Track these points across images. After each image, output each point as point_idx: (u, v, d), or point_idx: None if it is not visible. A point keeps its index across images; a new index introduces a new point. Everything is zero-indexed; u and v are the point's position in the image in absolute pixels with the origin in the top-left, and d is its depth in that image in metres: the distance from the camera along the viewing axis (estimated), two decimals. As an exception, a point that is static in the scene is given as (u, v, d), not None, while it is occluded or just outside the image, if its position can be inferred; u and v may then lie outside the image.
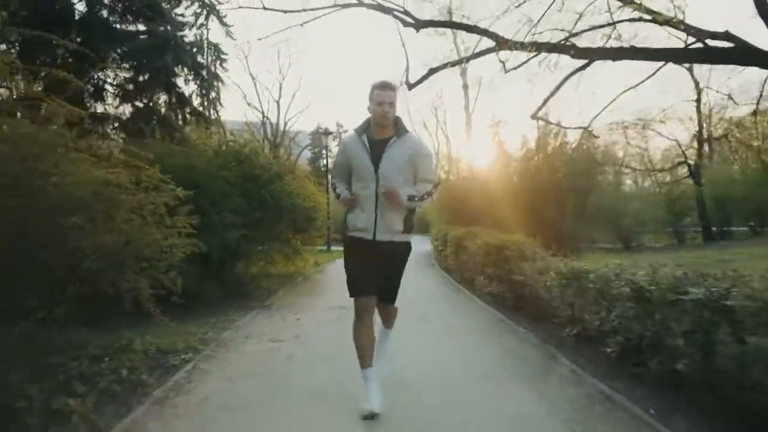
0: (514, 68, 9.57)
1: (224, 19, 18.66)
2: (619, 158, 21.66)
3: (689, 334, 3.02)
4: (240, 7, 11.86)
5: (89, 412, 2.84)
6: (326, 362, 4.14)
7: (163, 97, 12.80)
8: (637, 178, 26.63)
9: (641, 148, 24.02)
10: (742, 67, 16.43)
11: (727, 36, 9.21)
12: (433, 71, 10.03)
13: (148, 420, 2.95)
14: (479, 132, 31.35)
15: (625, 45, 8.03)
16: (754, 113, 15.64)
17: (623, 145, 23.38)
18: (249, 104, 39.01)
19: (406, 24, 9.01)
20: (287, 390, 3.53)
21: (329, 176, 3.32)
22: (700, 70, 21.60)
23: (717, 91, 21.62)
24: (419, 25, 8.94)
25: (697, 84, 22.15)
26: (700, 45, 7.70)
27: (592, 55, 7.54)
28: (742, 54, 8.67)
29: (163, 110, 12.41)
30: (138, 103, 11.53)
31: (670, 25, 8.29)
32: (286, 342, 4.94)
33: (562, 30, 7.92)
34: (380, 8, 9.38)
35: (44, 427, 2.60)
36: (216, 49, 16.64)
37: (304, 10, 10.16)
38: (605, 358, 3.87)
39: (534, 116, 9.81)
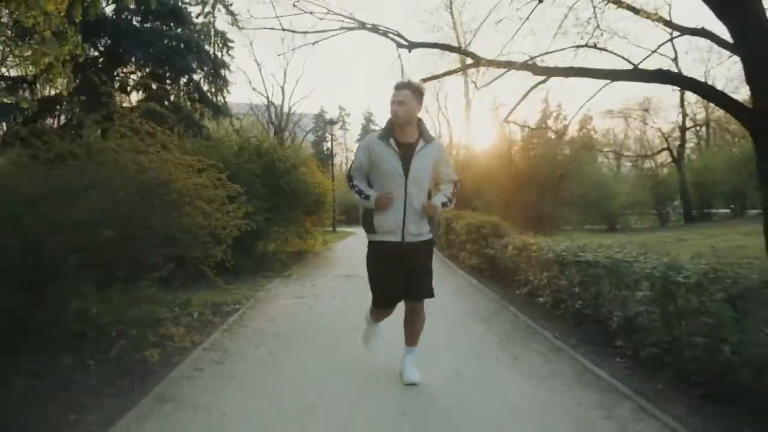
0: (485, 85, 11.03)
1: (230, 8, 20.08)
2: (603, 144, 22.93)
3: (582, 284, 4.52)
4: (263, 28, 13.16)
5: (185, 335, 4.33)
6: (335, 311, 5.71)
7: (182, 94, 14.26)
8: (622, 163, 27.91)
9: (629, 135, 25.28)
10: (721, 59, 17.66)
11: (704, 32, 10.38)
12: (423, 80, 11.34)
13: (223, 340, 4.46)
14: (476, 118, 32.58)
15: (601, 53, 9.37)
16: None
17: (620, 131, 24.61)
18: (254, 89, 40.15)
19: (400, 45, 10.33)
20: (309, 327, 5.07)
21: (348, 172, 3.40)
22: (684, 62, 22.77)
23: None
24: (411, 46, 10.32)
25: (679, 71, 23.29)
26: (641, 67, 8.88)
27: (549, 72, 8.96)
28: (677, 79, 10.02)
29: (187, 105, 13.86)
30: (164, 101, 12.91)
31: (650, 19, 9.40)
32: (306, 298, 6.48)
33: (524, 53, 9.37)
34: (378, 31, 10.72)
35: (162, 343, 4.07)
36: (223, 36, 17.98)
37: (317, 32, 11.58)
38: (542, 307, 5.35)
39: (506, 120, 11.19)
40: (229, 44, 18.74)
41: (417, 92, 3.20)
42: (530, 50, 11.75)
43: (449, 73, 11.18)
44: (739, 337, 2.67)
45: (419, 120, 3.25)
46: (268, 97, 39.60)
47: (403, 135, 3.18)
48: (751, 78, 7.12)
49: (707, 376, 2.88)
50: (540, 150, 12.99)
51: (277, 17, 12.33)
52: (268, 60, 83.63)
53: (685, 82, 10.02)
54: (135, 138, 4.60)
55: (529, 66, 9.04)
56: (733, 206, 24.70)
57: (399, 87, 3.18)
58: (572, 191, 14.32)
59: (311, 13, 11.09)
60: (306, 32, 11.81)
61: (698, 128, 25.74)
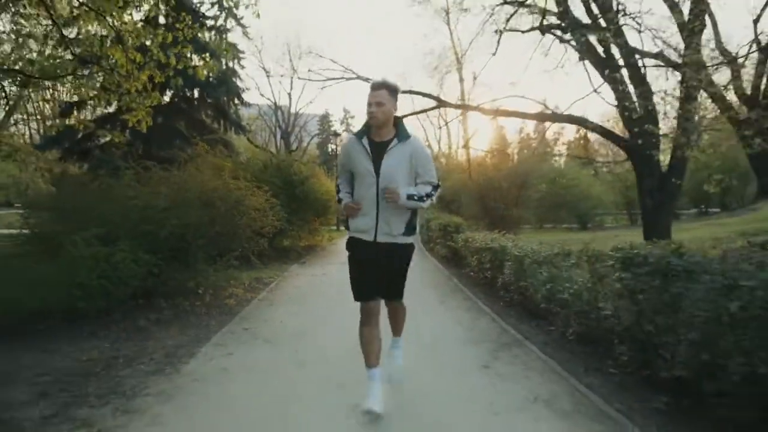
0: (446, 123, 13.99)
1: (241, 21, 22.69)
2: (578, 152, 25.48)
3: (489, 262, 7.25)
4: (281, 75, 16.05)
5: (245, 293, 7.10)
6: (339, 284, 8.24)
7: (209, 115, 17.04)
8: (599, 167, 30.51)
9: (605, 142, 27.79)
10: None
11: (661, 56, 12.95)
12: (402, 117, 14.04)
13: (268, 296, 7.22)
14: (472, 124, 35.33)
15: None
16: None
17: (595, 138, 27.10)
18: (262, 95, 42.84)
19: None
20: (319, 290, 7.84)
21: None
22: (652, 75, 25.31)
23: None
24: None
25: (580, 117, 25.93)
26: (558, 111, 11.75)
27: (495, 113, 11.74)
28: (574, 120, 12.93)
29: (214, 126, 16.67)
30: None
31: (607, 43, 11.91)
32: (316, 276, 9.26)
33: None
34: (367, 80, 13.58)
35: (232, 297, 6.83)
36: (234, 48, 20.67)
37: (323, 79, 14.39)
38: (473, 279, 8.08)
39: (464, 146, 13.96)
40: (241, 55, 21.57)
41: (393, 91, 3.13)
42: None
43: (424, 111, 13.97)
44: (550, 286, 5.35)
45: (397, 119, 3.18)
46: (275, 103, 41.78)
47: (379, 135, 3.11)
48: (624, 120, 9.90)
49: (532, 303, 5.62)
50: (499, 166, 15.74)
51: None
52: (276, 67, 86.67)
53: (580, 122, 12.79)
54: (212, 169, 7.39)
55: (479, 108, 11.84)
56: (702, 206, 27.34)
57: (375, 87, 3.07)
58: (531, 197, 17.07)
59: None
60: (313, 80, 14.54)
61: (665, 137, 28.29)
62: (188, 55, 8.21)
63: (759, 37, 19.82)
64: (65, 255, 5.16)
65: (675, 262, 3.15)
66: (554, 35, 12.23)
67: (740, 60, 19.14)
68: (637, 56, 11.15)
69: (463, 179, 16.47)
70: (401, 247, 3.20)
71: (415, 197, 3.11)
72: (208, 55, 9.14)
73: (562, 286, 4.71)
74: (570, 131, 32.54)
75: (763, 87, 20.50)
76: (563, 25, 11.23)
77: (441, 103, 12.40)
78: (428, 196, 3.19)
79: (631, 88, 10.83)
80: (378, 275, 3.19)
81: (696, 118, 10.71)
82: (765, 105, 20.05)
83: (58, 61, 8.94)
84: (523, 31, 12.16)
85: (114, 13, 7.62)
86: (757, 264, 2.73)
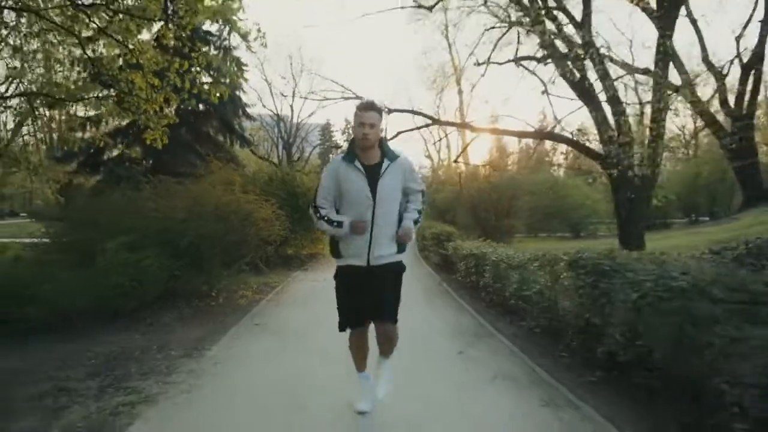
0: (439, 140, 14.90)
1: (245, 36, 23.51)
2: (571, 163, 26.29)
3: (474, 266, 8.04)
4: (284, 95, 16.97)
5: (254, 294, 7.89)
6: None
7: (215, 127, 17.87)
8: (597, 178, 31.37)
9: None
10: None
11: (646, 71, 13.87)
12: (400, 132, 14.95)
13: (274, 297, 8.00)
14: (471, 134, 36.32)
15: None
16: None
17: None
18: (264, 106, 43.66)
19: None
20: (319, 294, 8.44)
21: (313, 202, 3.26)
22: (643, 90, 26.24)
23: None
24: (388, 111, 14.02)
25: (640, 101, 26.78)
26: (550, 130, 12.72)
27: (480, 131, 12.63)
28: (555, 137, 13.88)
29: (219, 138, 17.52)
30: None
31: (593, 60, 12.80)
32: (317, 282, 9.99)
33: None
34: (359, 98, 14.47)
35: (243, 297, 7.62)
36: (237, 62, 21.50)
37: (323, 99, 15.32)
38: (461, 282, 8.86)
39: (455, 160, 14.78)
40: (244, 68, 22.42)
41: (380, 113, 3.11)
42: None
43: (417, 128, 14.84)
44: (518, 284, 6.13)
45: (382, 139, 3.15)
46: (278, 114, 42.48)
47: (367, 157, 3.06)
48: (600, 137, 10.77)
49: (507, 303, 6.39)
50: (489, 178, 16.57)
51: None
52: (278, 79, 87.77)
53: (561, 139, 13.70)
54: (224, 183, 8.21)
55: (467, 125, 12.71)
56: (692, 215, 28.16)
57: (366, 108, 3.02)
58: (522, 207, 17.89)
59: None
60: (314, 99, 15.37)
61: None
62: (202, 80, 9.01)
63: (741, 54, 20.81)
64: (100, 261, 5.95)
65: (605, 263, 3.94)
66: (526, 68, 13.29)
67: (724, 72, 20.11)
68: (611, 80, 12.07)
69: (456, 190, 17.35)
70: (393, 266, 3.18)
71: (418, 219, 3.23)
72: (221, 82, 9.97)
73: (528, 287, 5.50)
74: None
75: (746, 101, 21.44)
76: (538, 56, 12.17)
77: (435, 122, 13.27)
78: (422, 204, 3.30)
79: (608, 109, 11.72)
80: (370, 299, 3.12)
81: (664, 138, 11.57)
82: (748, 117, 21.00)
83: (81, 84, 9.80)
84: (500, 63, 13.13)
85: (127, 35, 8.46)
86: (658, 263, 3.52)
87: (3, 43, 9.99)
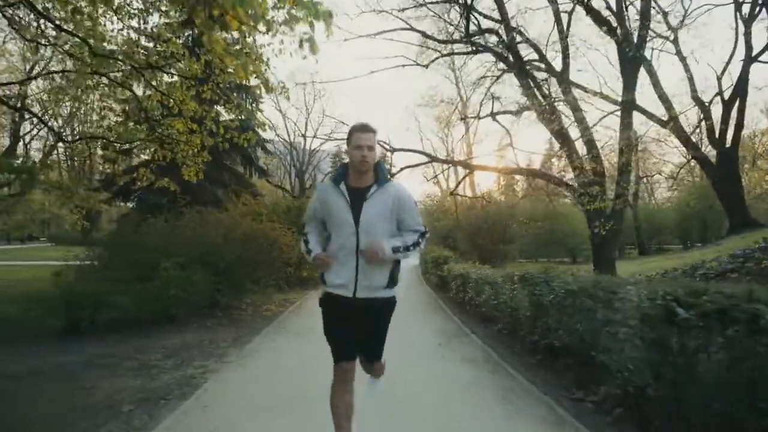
0: (434, 176, 16.48)
1: (271, 90, 25.30)
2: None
3: (462, 284, 9.53)
4: (300, 136, 18.69)
5: (277, 308, 9.41)
6: None
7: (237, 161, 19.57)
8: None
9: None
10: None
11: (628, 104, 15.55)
12: (403, 168, 16.62)
13: (295, 310, 9.51)
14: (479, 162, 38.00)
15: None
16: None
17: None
18: (278, 135, 45.54)
19: (385, 149, 15.69)
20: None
21: (303, 220, 3.23)
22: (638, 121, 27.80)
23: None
24: (393, 150, 15.69)
25: (635, 134, 28.31)
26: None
27: (474, 168, 14.23)
28: (537, 174, 15.47)
29: (239, 170, 19.22)
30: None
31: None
32: (331, 298, 11.51)
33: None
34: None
35: (268, 310, 9.14)
36: (253, 94, 23.22)
37: (332, 139, 16.99)
38: (454, 299, 10.32)
39: (451, 193, 16.34)
40: (260, 100, 24.18)
41: (375, 134, 2.91)
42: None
43: (418, 164, 16.45)
44: (488, 295, 7.59)
45: (377, 163, 2.92)
46: (291, 143, 44.37)
47: (359, 180, 2.86)
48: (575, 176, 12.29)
49: (482, 309, 7.85)
50: (484, 208, 18.13)
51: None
52: (291, 110, 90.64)
53: (540, 175, 15.30)
54: (251, 213, 9.80)
55: (459, 162, 14.31)
56: (687, 242, 29.44)
57: (366, 130, 2.85)
58: (516, 233, 19.38)
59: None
60: (323, 138, 17.09)
61: (649, 179, 30.68)
62: (233, 128, 10.62)
63: (723, 93, 22.38)
64: (161, 277, 7.52)
65: (540, 277, 5.44)
66: (498, 123, 15.06)
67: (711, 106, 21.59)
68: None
69: (448, 219, 18.96)
70: (383, 302, 2.92)
71: (401, 249, 2.84)
72: (247, 125, 11.64)
73: (496, 297, 6.98)
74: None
75: (731, 134, 22.87)
76: (513, 110, 13.92)
77: (433, 159, 14.94)
78: (415, 245, 2.90)
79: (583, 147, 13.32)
80: (356, 333, 2.91)
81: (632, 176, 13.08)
82: (732, 150, 22.42)
83: (131, 128, 11.49)
84: (480, 118, 14.92)
85: (173, 90, 10.11)
86: (576, 277, 5.01)
87: (64, 94, 11.73)
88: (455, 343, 6.47)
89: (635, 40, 14.03)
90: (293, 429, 3.55)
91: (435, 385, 4.62)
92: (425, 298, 11.52)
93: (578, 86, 14.35)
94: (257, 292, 9.18)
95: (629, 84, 13.40)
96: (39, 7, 8.60)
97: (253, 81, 8.66)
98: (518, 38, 14.17)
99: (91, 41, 8.90)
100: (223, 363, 5.42)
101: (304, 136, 45.01)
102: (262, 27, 4.47)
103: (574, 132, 14.29)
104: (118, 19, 9.64)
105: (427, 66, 15.82)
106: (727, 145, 22.33)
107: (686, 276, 9.08)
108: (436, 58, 16.08)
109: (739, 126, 23.01)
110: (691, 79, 24.56)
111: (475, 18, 15.13)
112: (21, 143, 32.76)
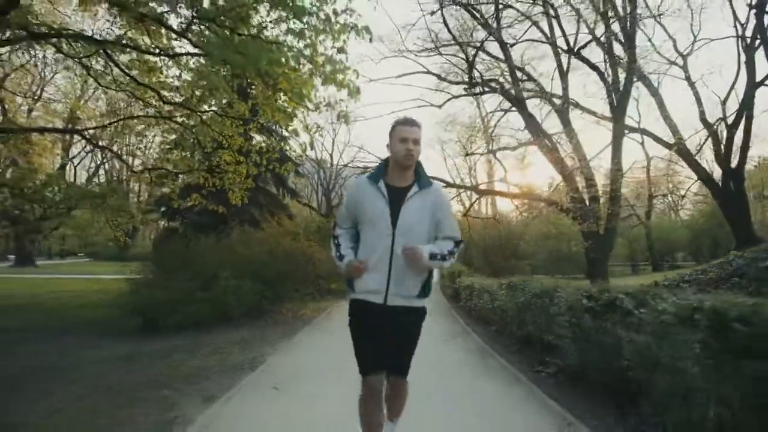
0: (456, 195, 18.14)
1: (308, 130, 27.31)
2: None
3: (470, 294, 11.12)
4: (328, 166, 20.58)
5: (313, 313, 11.11)
6: None
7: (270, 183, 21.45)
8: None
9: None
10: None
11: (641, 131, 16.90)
12: None
13: (327, 315, 11.18)
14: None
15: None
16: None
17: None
18: (306, 155, 47.39)
19: None
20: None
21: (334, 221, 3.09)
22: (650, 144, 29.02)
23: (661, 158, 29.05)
24: None
25: (647, 155, 29.60)
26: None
27: (484, 193, 15.81)
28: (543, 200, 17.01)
29: (273, 191, 21.11)
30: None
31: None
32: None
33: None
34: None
35: (299, 317, 10.84)
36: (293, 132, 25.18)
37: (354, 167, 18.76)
38: (464, 308, 11.89)
39: (464, 214, 17.92)
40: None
41: (421, 129, 2.76)
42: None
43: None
44: (486, 300, 9.15)
45: (418, 162, 2.77)
46: (318, 163, 46.11)
47: (400, 178, 2.73)
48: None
49: (483, 314, 9.41)
50: (496, 228, 19.67)
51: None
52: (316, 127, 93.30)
53: (542, 199, 16.81)
54: (289, 233, 11.56)
55: (471, 187, 15.95)
56: (701, 258, 30.42)
57: (411, 123, 2.71)
58: (527, 251, 20.85)
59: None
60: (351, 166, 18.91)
61: (664, 197, 31.82)
62: (274, 159, 12.42)
63: (726, 118, 23.60)
64: (220, 285, 9.28)
65: (519, 284, 7.02)
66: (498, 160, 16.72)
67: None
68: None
69: (468, 236, 20.57)
70: (414, 311, 2.85)
71: (438, 256, 2.73)
72: (288, 162, 13.47)
73: (492, 303, 8.56)
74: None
75: (737, 159, 23.99)
76: (512, 146, 15.64)
77: (448, 185, 16.57)
78: (450, 254, 2.79)
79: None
80: (385, 344, 2.80)
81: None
82: (738, 170, 23.55)
83: (186, 160, 13.41)
84: (481, 154, 16.65)
85: (223, 128, 11.95)
86: (546, 284, 6.58)
87: (129, 131, 13.77)
88: (458, 339, 8.08)
89: (627, 76, 15.61)
90: (327, 386, 5.14)
91: (436, 365, 6.20)
92: (439, 307, 13.08)
93: (583, 108, 15.95)
94: (295, 299, 10.89)
95: (618, 116, 14.91)
96: (117, 59, 10.56)
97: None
98: (523, 76, 15.87)
99: (163, 92, 10.87)
100: (275, 349, 7.10)
101: (331, 155, 46.74)
102: (310, 105, 6.22)
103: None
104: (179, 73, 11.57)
105: (440, 106, 17.73)
106: (733, 166, 23.51)
107: (653, 286, 10.52)
108: (448, 100, 17.95)
109: (745, 147, 24.11)
110: (699, 102, 25.87)
111: (484, 58, 16.97)
112: (71, 167, 35.55)
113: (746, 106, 22.83)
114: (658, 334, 3.36)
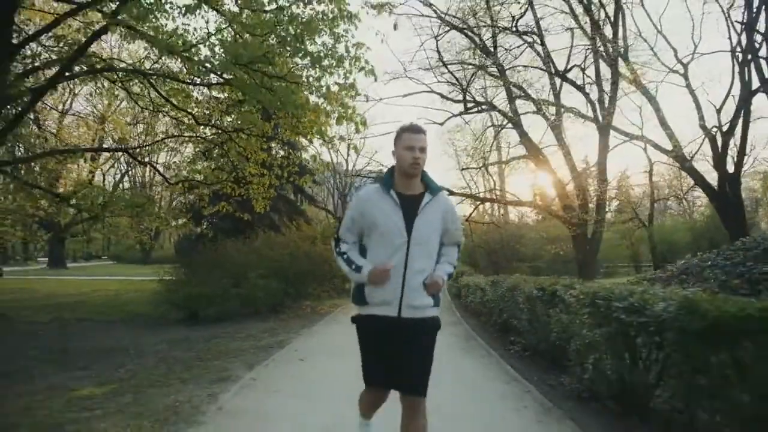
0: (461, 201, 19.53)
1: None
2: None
3: (473, 291, 12.55)
4: (346, 177, 22.05)
5: (329, 309, 12.61)
6: None
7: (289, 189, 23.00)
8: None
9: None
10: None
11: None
12: None
13: (340, 310, 12.67)
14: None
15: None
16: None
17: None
18: (322, 160, 48.77)
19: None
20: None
21: (336, 233, 2.84)
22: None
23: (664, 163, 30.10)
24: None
25: (650, 160, 30.67)
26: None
27: (482, 200, 17.20)
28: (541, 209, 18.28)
29: (291, 197, 22.67)
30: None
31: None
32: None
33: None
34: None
35: (317, 312, 12.34)
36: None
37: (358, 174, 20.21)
38: (466, 306, 13.32)
39: (467, 219, 19.27)
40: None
41: (426, 136, 2.65)
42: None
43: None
44: (477, 295, 10.56)
45: (424, 171, 2.68)
46: (334, 168, 47.52)
47: (408, 186, 2.64)
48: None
49: (471, 306, 10.83)
50: (500, 231, 21.00)
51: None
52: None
53: (538, 207, 18.13)
54: (308, 237, 13.09)
55: (470, 195, 17.35)
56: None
57: (418, 130, 2.62)
58: (526, 253, 22.21)
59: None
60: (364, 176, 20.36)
61: (666, 200, 32.89)
62: (294, 172, 13.92)
63: (722, 126, 24.73)
64: (249, 282, 10.82)
65: (497, 280, 8.44)
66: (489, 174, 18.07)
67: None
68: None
69: (476, 237, 21.94)
70: (429, 321, 2.66)
71: (452, 273, 2.75)
72: (307, 174, 15.00)
73: (480, 297, 9.99)
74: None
75: (734, 163, 24.98)
76: (504, 161, 17.03)
77: (450, 193, 17.98)
78: (457, 260, 2.81)
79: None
80: (398, 360, 2.59)
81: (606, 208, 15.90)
82: (735, 175, 24.56)
83: (216, 172, 14.99)
84: (477, 168, 18.06)
85: (247, 145, 13.47)
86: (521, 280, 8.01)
87: (165, 146, 15.41)
88: (450, 328, 9.50)
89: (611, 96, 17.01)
90: (340, 359, 6.56)
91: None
92: (442, 304, 14.48)
93: (575, 111, 17.30)
94: (314, 297, 12.39)
95: (604, 132, 16.26)
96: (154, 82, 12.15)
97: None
98: (520, 93, 17.28)
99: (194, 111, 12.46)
100: (298, 335, 8.61)
101: (346, 160, 48.11)
102: (326, 139, 7.72)
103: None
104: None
105: (442, 124, 19.25)
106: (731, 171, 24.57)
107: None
108: (449, 118, 19.50)
109: (741, 153, 25.19)
110: (699, 109, 26.93)
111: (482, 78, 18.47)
112: (101, 175, 37.57)
113: (740, 115, 23.94)
114: (571, 312, 4.80)
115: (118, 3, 8.68)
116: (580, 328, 4.54)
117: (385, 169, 3.16)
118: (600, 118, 16.06)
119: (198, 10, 8.92)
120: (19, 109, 9.98)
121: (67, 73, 9.91)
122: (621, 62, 19.98)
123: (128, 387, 5.18)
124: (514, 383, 5.23)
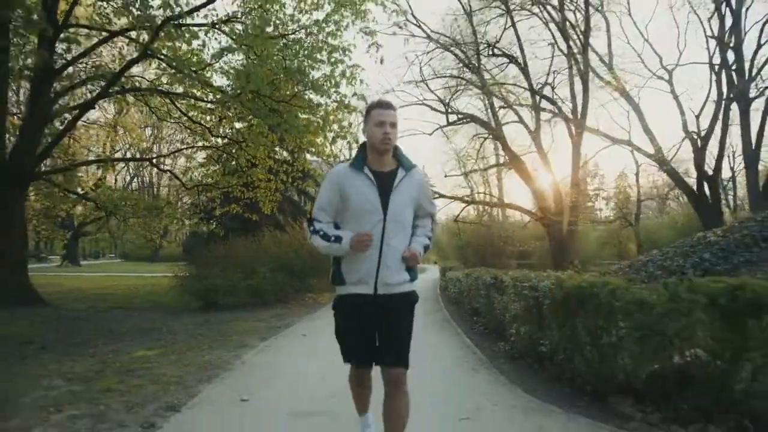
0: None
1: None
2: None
3: (454, 287, 14.15)
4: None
5: (329, 299, 14.19)
6: None
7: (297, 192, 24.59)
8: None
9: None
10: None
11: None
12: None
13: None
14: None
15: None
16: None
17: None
18: (323, 169, 50.50)
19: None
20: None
21: (309, 215, 2.78)
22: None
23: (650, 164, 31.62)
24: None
25: (636, 162, 32.20)
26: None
27: (491, 205, 18.75)
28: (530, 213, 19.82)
29: (295, 198, 24.28)
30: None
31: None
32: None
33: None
34: None
35: (318, 302, 13.96)
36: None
37: None
38: (453, 301, 14.89)
39: (455, 220, 20.82)
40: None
41: (396, 112, 2.63)
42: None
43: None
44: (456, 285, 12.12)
45: (396, 146, 2.67)
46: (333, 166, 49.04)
47: (381, 163, 2.63)
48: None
49: (453, 296, 12.42)
50: (490, 229, 22.57)
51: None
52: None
53: (520, 209, 19.66)
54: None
55: (460, 198, 18.89)
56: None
57: (388, 106, 2.62)
58: (513, 250, 23.76)
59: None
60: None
61: (651, 200, 34.38)
62: (299, 177, 15.52)
63: (701, 131, 26.18)
64: (258, 276, 12.42)
65: (474, 274, 10.01)
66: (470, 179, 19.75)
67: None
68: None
69: (466, 235, 23.54)
70: (405, 297, 2.70)
71: (429, 246, 2.81)
72: (309, 180, 16.57)
73: (458, 288, 11.56)
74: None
75: (711, 167, 26.36)
76: (483, 168, 18.62)
77: (441, 196, 19.57)
78: (432, 231, 2.86)
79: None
80: (377, 336, 2.68)
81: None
82: (714, 178, 26.10)
83: (227, 177, 16.60)
84: (460, 175, 19.53)
85: (255, 152, 15.02)
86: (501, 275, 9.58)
87: (180, 155, 17.01)
88: (432, 315, 11.09)
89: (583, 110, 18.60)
90: (339, 334, 8.19)
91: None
92: (429, 295, 16.08)
93: (551, 120, 18.91)
94: (316, 289, 13.99)
95: (576, 142, 17.90)
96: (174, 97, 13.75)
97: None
98: (501, 103, 18.91)
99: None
100: (301, 320, 10.21)
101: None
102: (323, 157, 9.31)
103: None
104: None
105: (430, 134, 21.01)
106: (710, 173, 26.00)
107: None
108: (437, 129, 21.30)
109: (720, 156, 26.64)
110: (682, 113, 28.40)
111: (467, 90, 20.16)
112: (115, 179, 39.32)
113: (717, 120, 25.36)
114: (507, 294, 6.39)
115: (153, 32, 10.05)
116: (509, 304, 6.13)
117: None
118: (573, 131, 17.63)
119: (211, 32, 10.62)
120: (64, 125, 11.58)
121: (107, 91, 11.53)
122: (605, 70, 21.62)
123: (171, 351, 6.77)
124: (466, 349, 6.84)
